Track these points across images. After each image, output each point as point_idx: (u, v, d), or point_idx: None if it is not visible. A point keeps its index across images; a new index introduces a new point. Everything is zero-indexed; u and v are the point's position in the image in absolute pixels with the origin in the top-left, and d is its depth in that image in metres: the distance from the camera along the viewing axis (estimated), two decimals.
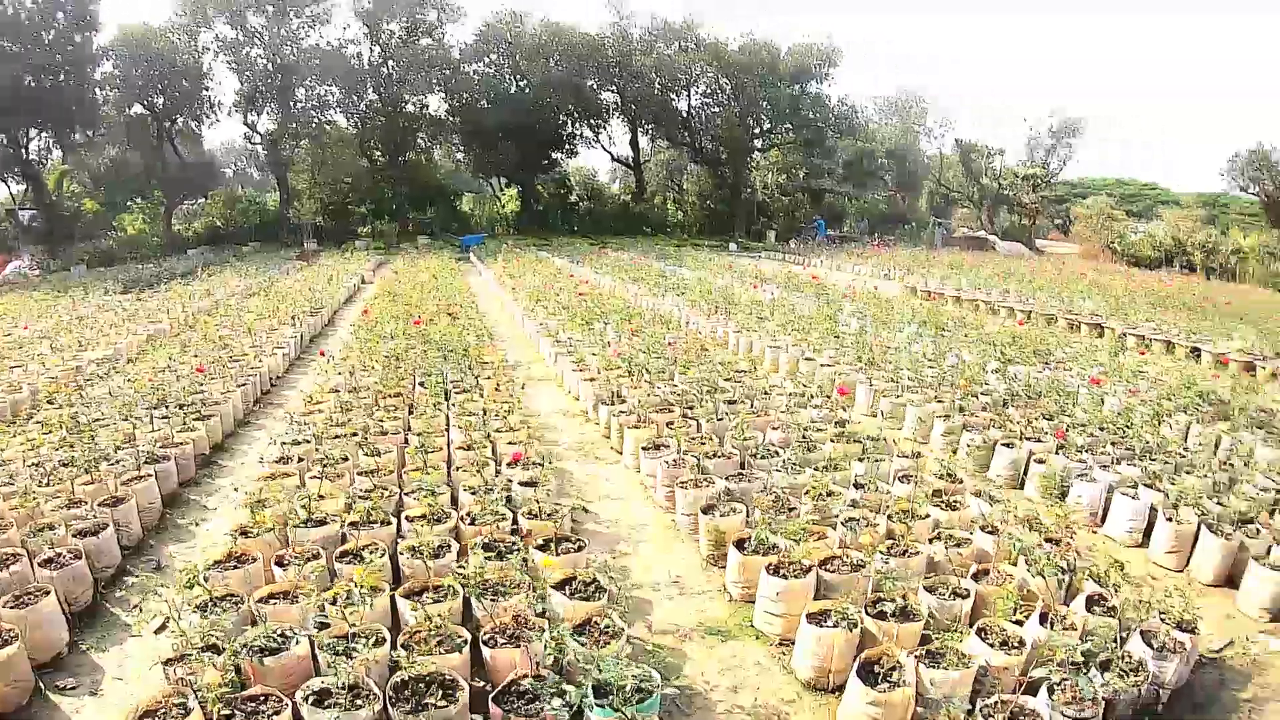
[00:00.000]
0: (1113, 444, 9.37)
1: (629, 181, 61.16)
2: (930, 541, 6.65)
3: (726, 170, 54.97)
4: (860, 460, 8.44)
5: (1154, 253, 46.57)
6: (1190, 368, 15.28)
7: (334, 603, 5.14)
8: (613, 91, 54.27)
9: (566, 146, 55.31)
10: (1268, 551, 6.91)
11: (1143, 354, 15.83)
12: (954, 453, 9.77)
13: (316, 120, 49.73)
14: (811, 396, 11.12)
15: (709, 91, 55.13)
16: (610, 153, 59.03)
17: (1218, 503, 7.67)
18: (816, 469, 8.05)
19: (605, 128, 56.73)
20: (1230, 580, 7.06)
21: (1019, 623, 5.47)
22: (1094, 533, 8.08)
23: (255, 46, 46.85)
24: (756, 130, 55.58)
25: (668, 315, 18.88)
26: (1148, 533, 7.74)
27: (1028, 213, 58.98)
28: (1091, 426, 9.92)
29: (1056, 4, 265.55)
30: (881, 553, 6.28)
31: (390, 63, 49.47)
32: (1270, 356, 16.37)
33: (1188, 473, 8.49)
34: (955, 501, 7.51)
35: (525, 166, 52.70)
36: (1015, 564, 6.22)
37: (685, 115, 55.18)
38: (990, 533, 6.78)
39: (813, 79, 53.91)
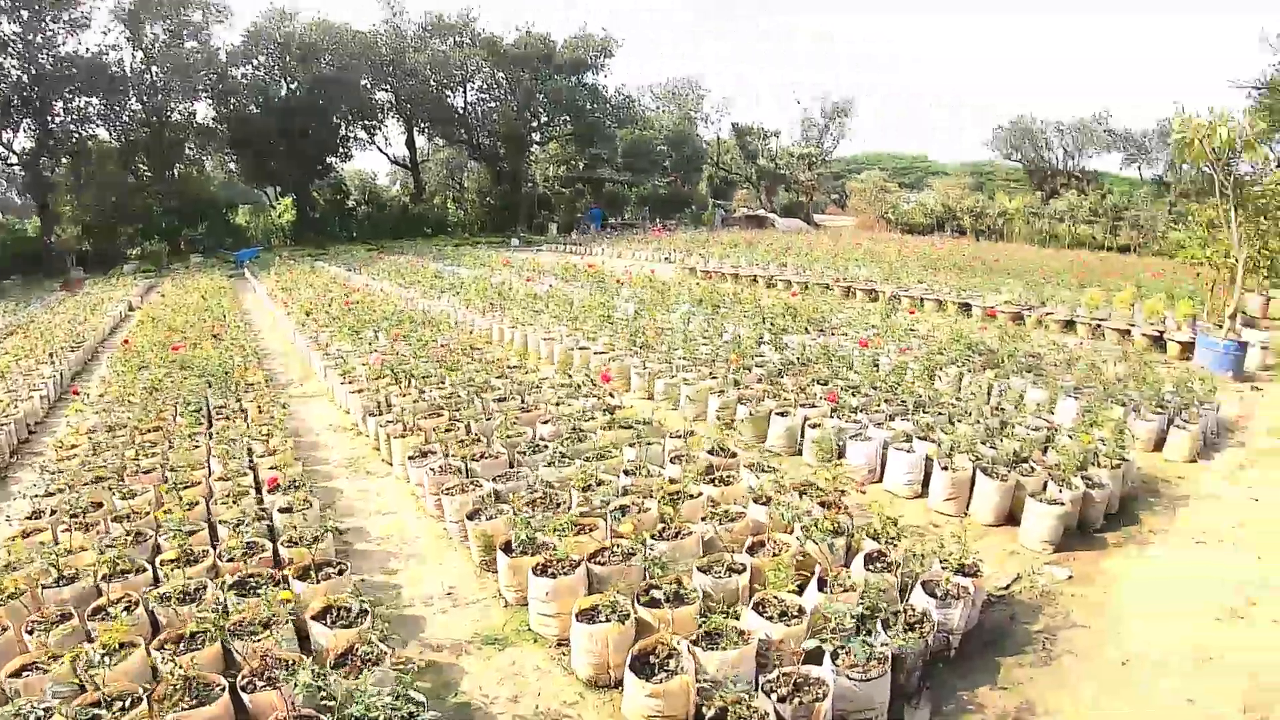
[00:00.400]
0: (886, 401, 9.40)
1: (408, 183, 59.19)
2: (703, 520, 6.33)
3: (506, 165, 54.03)
4: (631, 446, 8.06)
5: (926, 220, 49.18)
6: (961, 323, 15.75)
7: (89, 667, 4.59)
8: (387, 90, 52.26)
9: (341, 150, 52.69)
10: (1044, 487, 7.01)
11: (913, 313, 16.23)
12: (728, 427, 9.54)
13: (77, 135, 45.54)
14: (580, 385, 10.68)
15: (485, 87, 53.97)
16: (387, 154, 56.95)
17: (991, 446, 7.72)
18: (586, 459, 7.64)
19: (381, 128, 54.57)
20: (1011, 518, 7.15)
21: (799, 591, 5.22)
22: (863, 492, 7.94)
23: (8, 56, 42.29)
24: (534, 124, 54.95)
25: (442, 317, 18.14)
26: (926, 483, 7.71)
27: (804, 190, 61.06)
28: (865, 387, 9.92)
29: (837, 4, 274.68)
30: (653, 537, 5.91)
31: (154, 69, 45.68)
32: (1036, 305, 17.15)
33: (959, 421, 8.55)
34: (729, 476, 7.24)
35: (300, 173, 50.02)
36: (790, 532, 5.96)
37: (462, 112, 53.86)
38: (764, 503, 6.53)
39: (589, 69, 53.78)
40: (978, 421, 8.46)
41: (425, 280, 23.97)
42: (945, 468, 7.38)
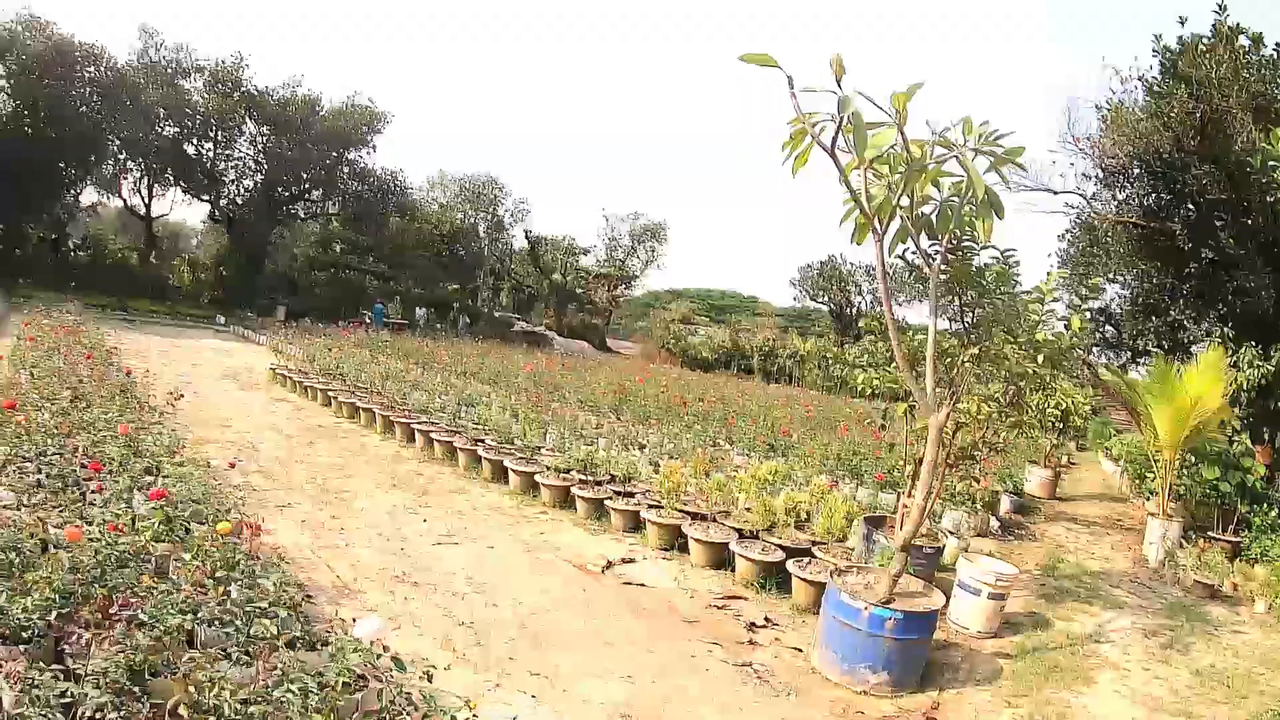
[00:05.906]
0: None
1: (139, 237, 48.37)
2: None
3: (251, 235, 46.00)
4: None
5: (712, 355, 46.44)
6: None
7: None
8: (126, 131, 41.29)
9: (72, 190, 43.51)
10: None
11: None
12: None
13: None
14: None
15: (245, 143, 45.60)
16: (125, 200, 47.58)
17: None
18: None
19: (126, 173, 44.51)
20: None
21: None
22: None
23: None
24: (287, 194, 47.16)
25: None
26: None
27: (599, 311, 56.18)
28: None
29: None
30: None
31: None
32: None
33: None
34: None
35: (16, 206, 40.23)
36: None
37: (209, 166, 44.87)
38: None
39: (354, 144, 46.28)
40: None
41: None
42: None
